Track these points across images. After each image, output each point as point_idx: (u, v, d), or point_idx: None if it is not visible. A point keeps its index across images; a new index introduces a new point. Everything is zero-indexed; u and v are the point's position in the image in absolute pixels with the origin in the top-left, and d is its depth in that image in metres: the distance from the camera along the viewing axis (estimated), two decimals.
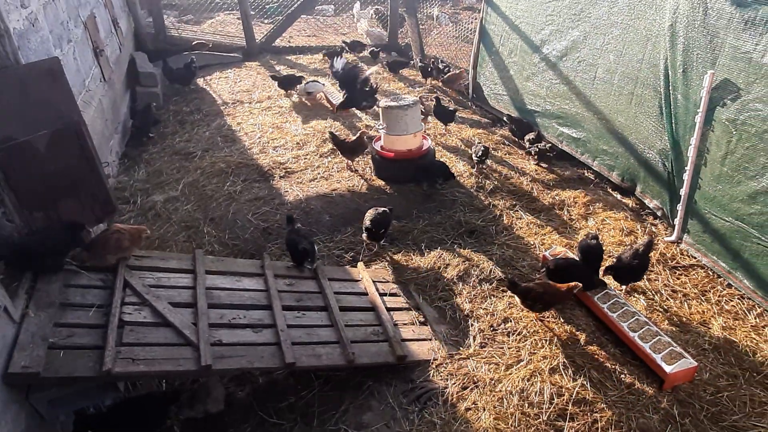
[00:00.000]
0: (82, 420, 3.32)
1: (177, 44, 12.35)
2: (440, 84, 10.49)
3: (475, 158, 7.01)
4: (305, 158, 7.39)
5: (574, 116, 7.11)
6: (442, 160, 7.03)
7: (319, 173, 6.99)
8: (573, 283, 4.31)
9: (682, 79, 5.19)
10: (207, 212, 6.04)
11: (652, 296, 4.82)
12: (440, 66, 10.81)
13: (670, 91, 5.37)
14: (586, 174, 7.05)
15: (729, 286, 4.92)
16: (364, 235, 5.38)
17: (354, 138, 7.13)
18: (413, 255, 5.47)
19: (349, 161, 7.19)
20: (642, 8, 5.78)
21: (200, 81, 10.60)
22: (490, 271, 5.17)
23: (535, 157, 7.25)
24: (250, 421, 3.86)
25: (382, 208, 5.51)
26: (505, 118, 8.29)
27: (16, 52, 3.83)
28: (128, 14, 11.53)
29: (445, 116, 8.27)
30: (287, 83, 9.74)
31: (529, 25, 7.77)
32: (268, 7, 15.73)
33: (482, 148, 6.90)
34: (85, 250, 3.99)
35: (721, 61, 4.70)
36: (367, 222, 5.36)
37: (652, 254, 5.20)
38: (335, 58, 8.48)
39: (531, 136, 7.49)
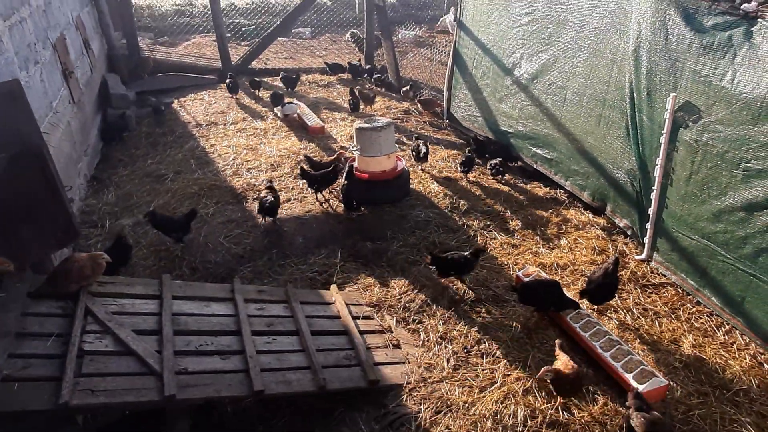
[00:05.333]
0: None
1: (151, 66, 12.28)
2: (418, 106, 10.59)
3: (413, 153, 7.62)
4: (279, 180, 7.34)
5: (546, 137, 7.23)
6: None
7: (293, 195, 6.94)
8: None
9: (647, 102, 5.32)
10: None
11: (623, 315, 4.85)
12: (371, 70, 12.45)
13: (636, 113, 5.51)
14: (558, 193, 7.14)
15: (698, 303, 4.99)
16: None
17: (330, 160, 7.13)
18: (387, 276, 5.43)
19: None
20: (607, 33, 5.96)
21: (174, 103, 10.51)
22: (464, 292, 5.15)
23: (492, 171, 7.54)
24: None
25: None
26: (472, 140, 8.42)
27: None
28: (101, 35, 11.45)
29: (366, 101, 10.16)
30: (277, 100, 10.06)
31: (500, 49, 7.93)
32: (244, 29, 15.83)
33: (423, 149, 7.47)
34: (47, 280, 3.85)
35: (683, 84, 4.85)
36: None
37: (622, 273, 5.28)
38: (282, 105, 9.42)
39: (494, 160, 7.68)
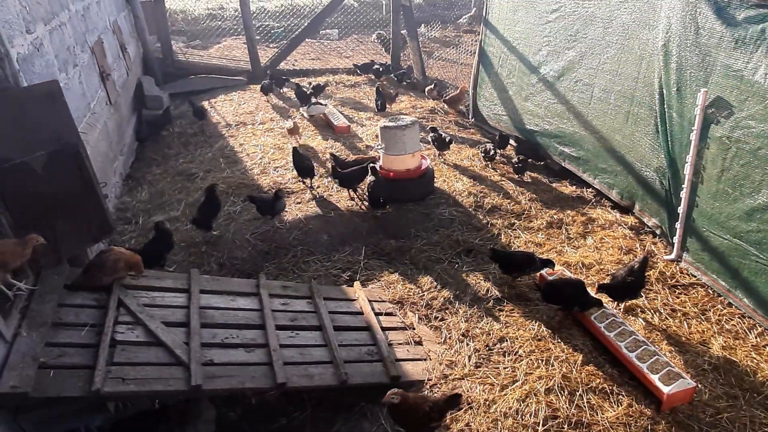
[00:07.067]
0: None
1: (184, 68, 12.63)
2: (443, 105, 10.58)
3: (435, 143, 8.02)
4: None
5: (573, 135, 7.13)
6: None
7: (318, 193, 7.03)
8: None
9: (677, 98, 5.20)
10: (206, 232, 6.08)
11: (650, 315, 4.76)
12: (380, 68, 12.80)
13: (665, 110, 5.39)
14: (585, 192, 7.03)
15: (729, 305, 4.85)
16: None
17: (354, 158, 7.19)
18: (410, 274, 5.45)
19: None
20: (636, 28, 5.84)
21: (205, 103, 10.77)
22: (487, 290, 5.14)
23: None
24: None
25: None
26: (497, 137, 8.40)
27: (17, 75, 3.94)
28: (137, 39, 11.83)
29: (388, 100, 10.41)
30: (303, 99, 10.34)
31: (526, 47, 7.86)
32: (273, 32, 16.09)
33: (448, 137, 7.92)
34: (83, 272, 4.02)
35: (714, 79, 4.72)
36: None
37: (650, 273, 5.17)
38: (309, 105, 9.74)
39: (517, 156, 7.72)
